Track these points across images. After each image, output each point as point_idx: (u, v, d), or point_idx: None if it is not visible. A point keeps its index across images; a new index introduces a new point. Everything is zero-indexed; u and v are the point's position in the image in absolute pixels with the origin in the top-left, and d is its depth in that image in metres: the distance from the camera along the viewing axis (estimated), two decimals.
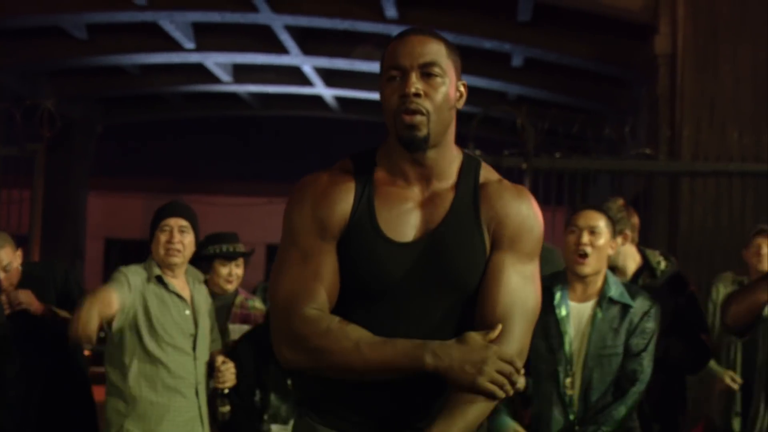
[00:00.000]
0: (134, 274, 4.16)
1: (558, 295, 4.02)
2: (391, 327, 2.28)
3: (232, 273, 5.04)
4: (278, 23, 11.25)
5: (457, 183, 2.37)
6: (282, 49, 12.30)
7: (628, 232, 4.65)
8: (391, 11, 10.55)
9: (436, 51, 2.32)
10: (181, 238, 4.22)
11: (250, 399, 4.08)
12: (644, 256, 4.76)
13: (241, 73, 14.10)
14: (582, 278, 4.03)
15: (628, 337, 3.97)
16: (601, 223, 4.04)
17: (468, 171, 2.39)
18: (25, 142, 8.06)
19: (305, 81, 14.11)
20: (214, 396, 4.29)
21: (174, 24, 11.38)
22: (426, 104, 2.28)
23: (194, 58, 12.82)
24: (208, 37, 12.24)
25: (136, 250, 17.54)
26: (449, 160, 2.38)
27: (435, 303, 2.31)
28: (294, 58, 12.65)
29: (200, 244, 4.99)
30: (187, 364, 4.16)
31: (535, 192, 7.29)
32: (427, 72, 2.29)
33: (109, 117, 15.87)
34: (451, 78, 2.34)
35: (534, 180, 7.32)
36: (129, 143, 19.35)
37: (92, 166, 15.42)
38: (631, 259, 4.71)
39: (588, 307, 4.03)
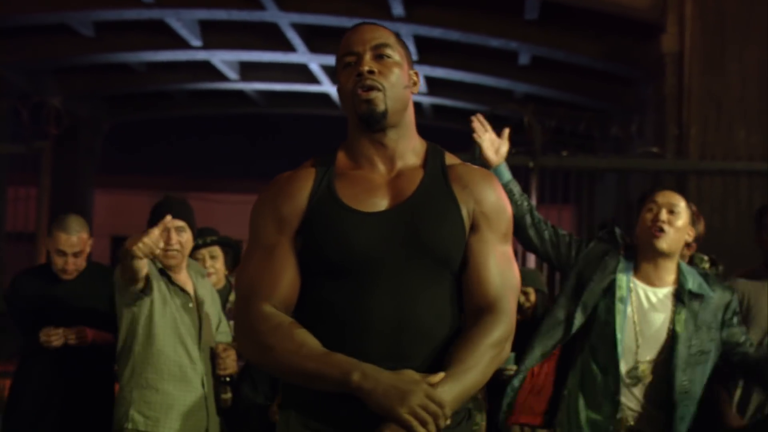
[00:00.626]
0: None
1: (627, 285, 3.79)
2: (366, 306, 2.26)
3: (206, 265, 4.94)
4: (285, 21, 11.25)
5: (424, 163, 2.40)
6: (289, 47, 12.30)
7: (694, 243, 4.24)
8: (398, 9, 10.54)
9: (387, 36, 2.41)
10: (179, 238, 4.25)
11: (267, 405, 4.09)
12: (691, 259, 4.64)
13: (248, 70, 14.10)
14: (655, 258, 3.79)
15: (720, 332, 3.79)
16: (682, 204, 3.84)
17: (434, 155, 2.43)
18: (31, 140, 8.08)
19: (312, 79, 14.11)
20: (216, 383, 4.31)
21: (181, 21, 11.38)
22: (381, 80, 2.35)
23: (201, 55, 12.82)
24: (215, 35, 12.24)
25: None
26: (411, 143, 2.43)
27: (411, 277, 2.28)
28: (301, 55, 12.64)
29: None
30: (192, 355, 4.19)
31: (542, 190, 7.29)
32: (379, 53, 2.39)
33: (116, 115, 15.87)
34: (403, 62, 2.42)
35: (541, 178, 7.31)
36: (135, 141, 19.35)
37: (99, 163, 15.43)
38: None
39: (665, 301, 3.80)
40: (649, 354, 3.75)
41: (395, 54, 2.40)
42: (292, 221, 2.34)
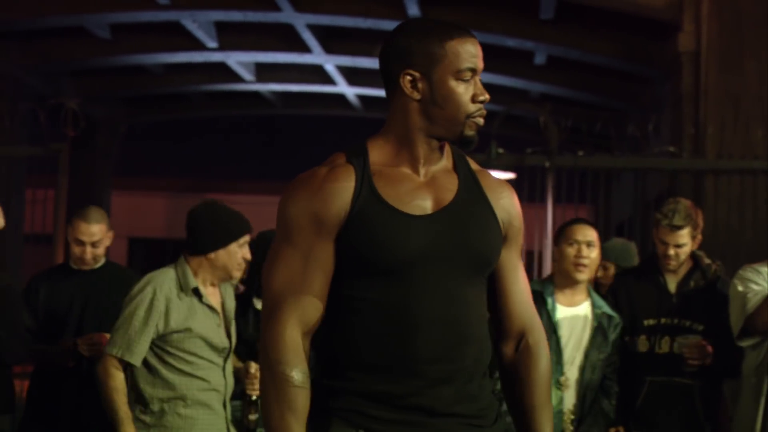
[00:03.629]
0: (166, 285, 3.97)
1: (549, 300, 4.34)
2: (417, 308, 2.27)
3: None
4: (300, 22, 11.26)
5: (454, 167, 2.42)
6: (304, 48, 12.31)
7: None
8: (413, 9, 10.54)
9: None
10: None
11: None
12: (694, 258, 4.76)
13: (264, 72, 14.11)
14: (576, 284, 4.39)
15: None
16: (594, 237, 4.42)
17: (460, 159, 2.45)
18: (49, 142, 8.12)
19: (328, 80, 14.11)
20: (244, 403, 4.22)
21: (196, 23, 11.41)
22: None
23: (217, 57, 12.84)
24: (231, 36, 12.25)
25: (160, 249, 17.58)
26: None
27: (457, 281, 2.31)
28: (316, 56, 12.65)
29: None
30: (216, 377, 4.02)
31: (558, 190, 7.28)
32: None
33: (133, 116, 15.92)
34: None
35: (557, 178, 7.30)
36: (152, 142, 19.40)
37: (116, 165, 15.48)
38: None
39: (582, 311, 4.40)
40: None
41: None
42: (331, 225, 2.28)
